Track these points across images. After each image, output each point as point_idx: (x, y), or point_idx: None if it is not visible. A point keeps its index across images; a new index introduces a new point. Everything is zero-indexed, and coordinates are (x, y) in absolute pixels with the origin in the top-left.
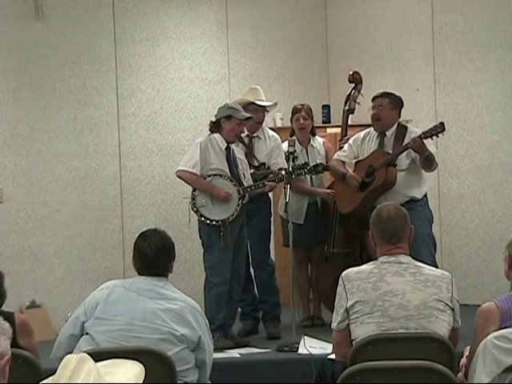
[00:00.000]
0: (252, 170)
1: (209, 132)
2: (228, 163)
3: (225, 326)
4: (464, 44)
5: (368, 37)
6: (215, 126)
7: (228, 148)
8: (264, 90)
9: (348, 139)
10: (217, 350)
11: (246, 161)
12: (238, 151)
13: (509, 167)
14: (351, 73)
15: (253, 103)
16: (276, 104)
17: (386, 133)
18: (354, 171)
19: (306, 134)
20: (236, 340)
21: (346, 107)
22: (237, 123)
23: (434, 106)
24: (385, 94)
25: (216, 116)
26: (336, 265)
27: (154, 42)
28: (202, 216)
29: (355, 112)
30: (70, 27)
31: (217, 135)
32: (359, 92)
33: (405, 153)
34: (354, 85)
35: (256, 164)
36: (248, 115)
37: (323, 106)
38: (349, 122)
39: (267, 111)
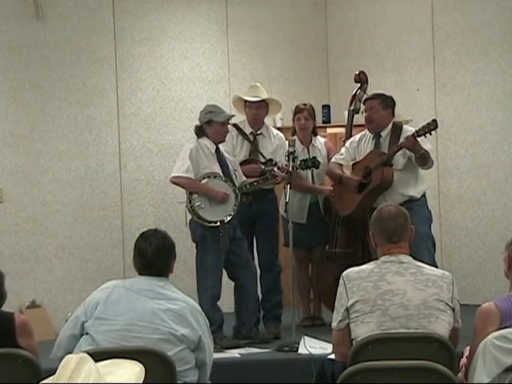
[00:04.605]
0: (262, 167)
1: (196, 137)
2: (220, 164)
3: (238, 325)
4: (464, 44)
5: (368, 37)
6: (200, 131)
7: (217, 150)
8: (265, 90)
9: (344, 141)
10: (218, 349)
11: (234, 160)
12: (226, 151)
13: (509, 167)
14: (357, 73)
15: (245, 100)
16: (268, 99)
17: (381, 133)
18: (351, 173)
19: (306, 133)
20: (261, 337)
21: (351, 107)
22: (219, 125)
23: (434, 106)
24: (375, 96)
25: (199, 120)
26: (337, 265)
27: (154, 42)
28: (199, 218)
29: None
30: (69, 27)
31: (204, 139)
32: (365, 92)
33: (401, 152)
34: (359, 85)
35: (263, 160)
36: (228, 115)
37: (323, 105)
38: (354, 122)
39: (266, 107)
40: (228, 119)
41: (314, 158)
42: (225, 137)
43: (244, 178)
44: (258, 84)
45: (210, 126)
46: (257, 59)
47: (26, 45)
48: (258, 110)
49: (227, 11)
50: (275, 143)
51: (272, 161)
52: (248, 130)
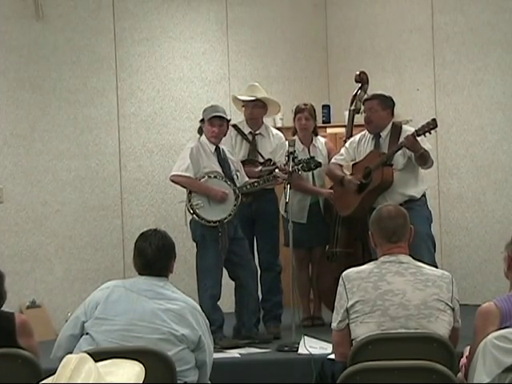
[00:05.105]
0: (260, 167)
1: (198, 135)
2: (220, 164)
3: (238, 325)
4: (464, 44)
5: (368, 37)
6: (200, 130)
7: (218, 149)
8: (265, 90)
9: (345, 141)
10: (218, 349)
11: (237, 161)
12: (228, 151)
13: (509, 167)
14: (358, 73)
15: (242, 100)
16: (265, 99)
17: (381, 133)
18: (351, 173)
19: (307, 133)
20: (261, 337)
21: (352, 107)
22: (208, 124)
23: (434, 105)
24: (374, 96)
25: None
26: (337, 265)
27: (154, 42)
28: (198, 217)
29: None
30: (70, 27)
31: (205, 138)
32: (365, 92)
33: (401, 152)
34: (360, 85)
35: (261, 160)
36: (213, 114)
37: (323, 106)
38: (354, 122)
39: (263, 107)
40: (211, 118)
41: (313, 157)
42: (214, 137)
43: (246, 179)
44: (257, 84)
45: (204, 124)
46: (257, 59)
47: (26, 45)
48: (254, 109)
49: (227, 11)
50: (274, 143)
51: (271, 161)
52: (247, 130)
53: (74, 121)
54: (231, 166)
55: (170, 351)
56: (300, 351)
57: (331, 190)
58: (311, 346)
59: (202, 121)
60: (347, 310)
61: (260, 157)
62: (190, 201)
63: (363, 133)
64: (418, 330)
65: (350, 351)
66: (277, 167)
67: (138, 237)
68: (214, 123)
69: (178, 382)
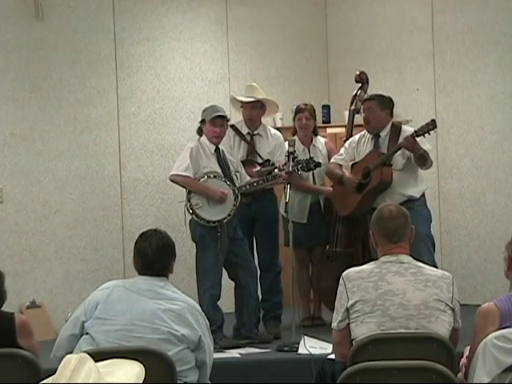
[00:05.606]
0: (258, 168)
1: (197, 136)
2: (220, 165)
3: (238, 325)
4: (464, 44)
5: (368, 37)
6: (200, 130)
7: (218, 149)
8: (264, 90)
9: (345, 141)
10: (218, 349)
11: (237, 161)
12: (228, 152)
13: (509, 167)
14: (358, 73)
15: (241, 101)
16: (263, 99)
17: (380, 134)
18: (350, 173)
19: (307, 133)
20: (261, 337)
21: (352, 107)
22: (210, 124)
23: (433, 106)
24: (373, 97)
25: None
26: (337, 264)
27: (154, 42)
28: (198, 217)
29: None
30: (70, 27)
31: (205, 138)
32: (365, 92)
33: (400, 152)
34: (360, 85)
35: (260, 161)
36: (216, 114)
37: (323, 106)
38: (354, 122)
39: (261, 107)
40: (214, 118)
41: (312, 157)
42: (216, 137)
43: (247, 179)
44: (255, 84)
45: (205, 124)
46: (257, 59)
47: (26, 45)
48: (253, 110)
49: (227, 11)
50: (273, 143)
51: (269, 161)
52: (245, 130)
53: (74, 121)
54: (231, 166)
55: (170, 351)
56: (300, 351)
57: (331, 188)
58: (311, 346)
59: (202, 121)
60: (347, 310)
61: (258, 157)
62: (189, 201)
63: (363, 133)
64: (418, 330)
65: (350, 351)
66: (276, 167)
67: (138, 237)
68: (215, 123)
69: (178, 382)
